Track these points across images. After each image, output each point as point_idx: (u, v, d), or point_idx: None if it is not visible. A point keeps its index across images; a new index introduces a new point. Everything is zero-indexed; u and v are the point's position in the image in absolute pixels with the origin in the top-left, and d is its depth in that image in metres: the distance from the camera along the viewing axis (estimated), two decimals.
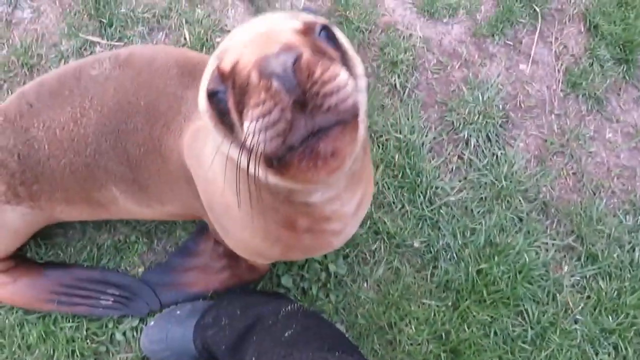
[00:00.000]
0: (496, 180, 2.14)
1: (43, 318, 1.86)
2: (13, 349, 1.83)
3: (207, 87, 0.95)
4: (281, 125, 0.78)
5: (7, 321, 1.86)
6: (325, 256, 1.99)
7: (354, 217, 1.27)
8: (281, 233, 1.23)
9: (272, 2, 2.32)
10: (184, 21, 2.21)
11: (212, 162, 1.19)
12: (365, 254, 2.03)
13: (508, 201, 2.13)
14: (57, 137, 1.52)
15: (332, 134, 0.82)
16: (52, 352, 1.83)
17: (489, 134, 2.20)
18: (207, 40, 2.19)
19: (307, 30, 0.91)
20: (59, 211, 1.69)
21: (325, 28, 0.94)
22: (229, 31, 2.24)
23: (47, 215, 1.70)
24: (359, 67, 0.99)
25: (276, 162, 0.85)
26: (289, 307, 1.63)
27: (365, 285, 2.01)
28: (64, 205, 1.67)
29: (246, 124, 0.81)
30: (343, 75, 0.80)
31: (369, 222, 2.04)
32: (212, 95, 0.93)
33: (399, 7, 2.39)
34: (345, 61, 0.94)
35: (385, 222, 2.04)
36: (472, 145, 2.19)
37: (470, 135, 2.19)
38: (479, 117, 2.21)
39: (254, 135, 0.80)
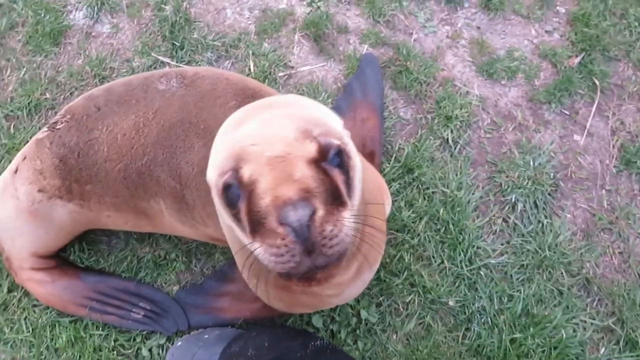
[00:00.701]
0: (539, 248, 2.11)
1: (74, 322, 1.88)
2: (41, 350, 1.86)
3: (224, 179, 1.05)
4: (288, 264, 0.93)
5: (40, 320, 1.89)
6: (358, 301, 1.97)
7: (354, 280, 1.37)
8: (281, 294, 1.38)
9: (337, 45, 2.38)
10: (250, 53, 2.29)
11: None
12: (399, 305, 2.01)
13: (550, 272, 2.08)
14: (117, 142, 1.58)
15: (328, 268, 0.98)
16: (78, 358, 1.85)
17: (537, 201, 2.18)
18: (270, 73, 2.26)
19: (320, 157, 1.01)
20: (105, 215, 1.74)
21: (338, 152, 1.05)
22: (292, 67, 2.31)
23: (93, 217, 1.75)
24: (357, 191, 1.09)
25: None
26: (318, 343, 1.62)
27: (394, 337, 1.98)
28: (112, 211, 1.71)
29: (258, 249, 0.95)
30: (346, 229, 0.95)
31: (405, 273, 2.02)
32: (226, 187, 1.05)
33: (458, 64, 2.43)
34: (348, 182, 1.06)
35: (422, 276, 2.02)
36: (519, 210, 2.16)
37: (517, 200, 2.18)
38: (528, 182, 2.20)
39: (263, 258, 0.95)
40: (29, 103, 2.13)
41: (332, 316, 1.95)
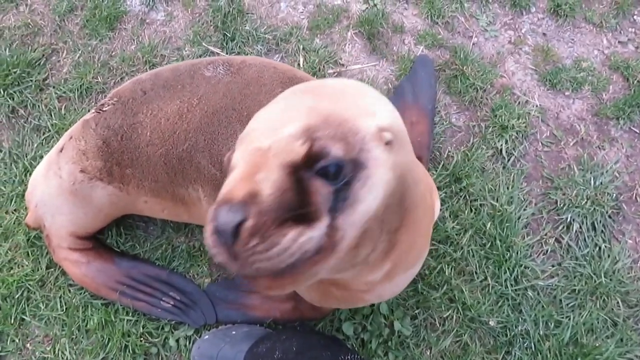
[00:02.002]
0: (594, 274, 1.95)
1: (106, 306, 1.89)
2: (72, 329, 1.87)
3: (227, 156, 1.01)
4: (220, 260, 0.86)
5: (74, 300, 1.90)
6: (392, 311, 1.88)
7: (385, 282, 1.26)
8: (313, 284, 1.22)
9: (390, 45, 2.30)
10: (301, 48, 2.24)
11: None
12: (435, 320, 1.90)
13: (604, 300, 1.92)
14: (160, 126, 1.57)
15: (261, 281, 0.89)
16: (107, 341, 1.85)
17: (595, 223, 2.02)
18: (319, 70, 2.20)
19: (304, 163, 0.89)
20: (143, 201, 1.73)
21: (337, 164, 0.90)
22: (342, 65, 2.25)
23: (131, 202, 1.74)
24: (359, 204, 0.93)
25: None
26: (348, 357, 1.54)
27: (428, 352, 1.87)
28: (150, 196, 1.70)
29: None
30: (278, 250, 0.84)
31: (445, 287, 1.92)
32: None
33: (519, 71, 2.29)
34: (343, 190, 0.91)
35: (462, 291, 1.91)
36: (574, 231, 2.01)
37: (573, 220, 2.02)
38: (586, 202, 2.04)
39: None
40: (81, 85, 2.17)
41: (363, 324, 1.87)
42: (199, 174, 1.58)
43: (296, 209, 0.86)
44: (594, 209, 2.03)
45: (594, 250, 1.99)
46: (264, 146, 0.90)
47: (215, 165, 1.55)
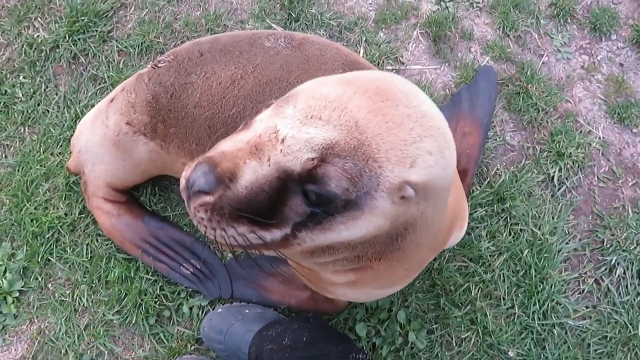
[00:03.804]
0: (630, 324, 1.83)
1: (128, 261, 1.91)
2: (93, 278, 1.90)
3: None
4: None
5: (99, 250, 1.93)
6: (409, 321, 1.82)
7: (349, 288, 1.29)
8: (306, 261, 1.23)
9: (456, 50, 2.22)
10: (364, 39, 2.19)
11: None
12: (452, 339, 1.83)
13: (636, 354, 1.80)
14: (211, 89, 1.55)
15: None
16: (123, 295, 1.87)
17: None
18: (378, 64, 2.15)
19: (299, 179, 0.86)
20: (181, 163, 1.72)
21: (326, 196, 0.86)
22: (402, 62, 2.19)
23: (169, 162, 1.74)
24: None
25: None
26: (359, 356, 1.50)
27: None
28: (189, 158, 1.69)
29: None
30: (218, 233, 0.91)
31: (468, 307, 1.84)
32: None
33: (587, 99, 2.17)
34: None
35: (486, 315, 1.83)
36: (617, 275, 1.89)
37: (618, 263, 1.90)
38: (636, 247, 1.92)
39: None
40: (142, 43, 2.19)
41: (377, 329, 1.82)
42: None
43: (260, 214, 0.88)
44: None
45: (634, 299, 1.87)
46: (280, 134, 0.86)
47: None
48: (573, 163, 2.04)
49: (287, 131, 0.86)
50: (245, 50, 1.55)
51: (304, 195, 0.87)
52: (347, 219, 0.90)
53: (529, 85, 2.13)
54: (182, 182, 0.91)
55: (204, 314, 1.86)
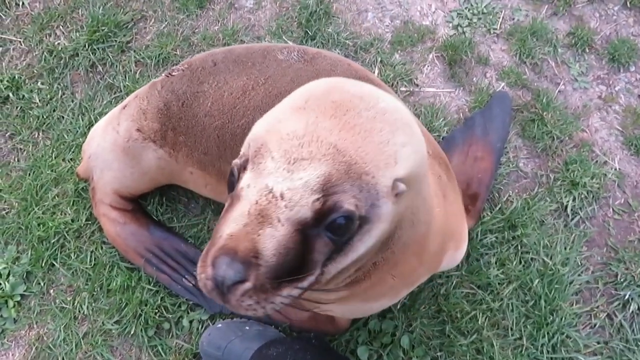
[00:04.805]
0: None
1: (131, 270, 1.89)
2: (95, 286, 1.89)
3: (234, 161, 0.96)
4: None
5: (103, 258, 1.92)
6: (413, 348, 1.77)
7: (342, 303, 1.28)
8: None
9: (471, 75, 2.21)
10: (379, 60, 2.19)
11: None
12: None
13: None
14: (222, 99, 1.55)
15: None
16: (124, 305, 1.85)
17: None
18: (393, 85, 2.14)
19: (314, 220, 0.87)
20: (189, 172, 1.72)
21: (347, 216, 0.88)
22: (417, 85, 2.18)
23: (177, 170, 1.74)
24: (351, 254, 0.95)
25: None
26: None
27: None
28: (196, 168, 1.69)
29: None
30: (269, 308, 0.88)
31: (474, 336, 1.79)
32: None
33: (603, 129, 2.14)
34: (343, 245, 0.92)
35: (492, 345, 1.77)
36: (630, 311, 1.83)
37: (632, 298, 1.84)
38: None
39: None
40: (159, 54, 2.22)
41: (380, 353, 1.77)
42: None
43: (294, 270, 0.88)
44: None
45: None
46: (276, 191, 0.86)
47: None
48: (587, 193, 1.99)
49: (280, 186, 0.86)
50: (258, 62, 1.56)
51: (329, 231, 0.89)
52: (362, 235, 0.92)
53: (545, 113, 2.11)
54: (208, 284, 0.87)
55: (203, 328, 1.83)
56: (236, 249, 0.84)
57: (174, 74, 1.66)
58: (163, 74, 1.73)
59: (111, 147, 1.75)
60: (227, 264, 0.84)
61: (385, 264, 1.12)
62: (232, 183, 0.95)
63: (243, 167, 0.93)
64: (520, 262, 1.88)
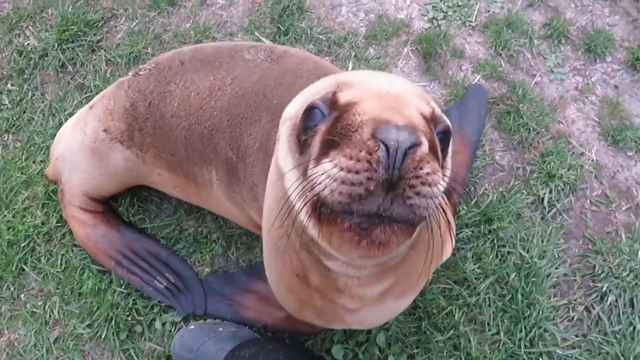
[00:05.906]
0: (622, 355, 1.74)
1: (102, 273, 1.86)
2: (66, 289, 1.85)
3: (313, 99, 0.93)
4: (357, 189, 0.75)
5: (74, 261, 1.89)
6: (389, 345, 1.75)
7: (376, 303, 1.19)
8: (293, 282, 1.19)
9: (446, 68, 2.19)
10: (353, 54, 2.17)
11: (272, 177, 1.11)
12: None
13: None
14: (189, 99, 1.53)
15: (394, 227, 0.80)
16: (95, 308, 1.81)
17: (635, 299, 1.81)
18: None
19: (431, 121, 0.90)
20: (157, 173, 1.70)
21: (446, 132, 0.93)
22: None
23: (145, 171, 1.71)
24: (444, 182, 0.89)
25: (326, 213, 0.81)
26: None
27: None
28: (164, 169, 1.67)
29: (326, 164, 0.78)
30: (440, 187, 0.79)
31: (451, 332, 1.76)
32: (310, 109, 0.92)
33: (580, 120, 2.12)
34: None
35: (470, 341, 1.75)
36: (608, 303, 1.81)
37: (610, 290, 1.82)
38: (629, 274, 1.84)
39: (326, 178, 0.77)
40: (130, 53, 2.19)
41: (355, 351, 1.74)
42: (215, 155, 1.53)
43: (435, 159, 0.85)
44: (636, 283, 1.82)
45: (627, 329, 1.78)
46: (390, 91, 0.90)
47: (233, 149, 1.49)
48: (564, 185, 1.98)
49: (392, 89, 0.93)
50: (226, 62, 1.54)
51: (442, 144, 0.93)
52: (447, 160, 0.99)
53: (520, 105, 2.09)
54: (362, 162, 0.75)
55: (176, 330, 1.80)
56: (392, 120, 0.78)
57: (140, 73, 1.63)
58: (131, 73, 1.70)
59: (79, 148, 1.72)
60: (395, 129, 0.76)
61: (418, 247, 1.08)
62: (310, 122, 0.91)
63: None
64: (497, 256, 1.86)
